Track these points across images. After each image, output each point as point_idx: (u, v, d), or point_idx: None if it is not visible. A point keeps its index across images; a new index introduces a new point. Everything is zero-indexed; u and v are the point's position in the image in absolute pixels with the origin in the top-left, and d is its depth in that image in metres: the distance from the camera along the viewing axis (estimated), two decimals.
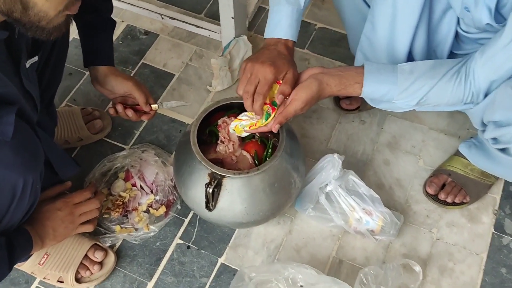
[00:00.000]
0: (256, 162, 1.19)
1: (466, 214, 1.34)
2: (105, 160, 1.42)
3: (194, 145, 1.14)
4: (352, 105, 1.49)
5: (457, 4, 1.03)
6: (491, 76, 0.98)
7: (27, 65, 0.94)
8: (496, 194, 1.37)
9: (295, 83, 1.08)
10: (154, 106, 1.25)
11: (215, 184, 1.11)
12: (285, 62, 1.07)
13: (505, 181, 1.38)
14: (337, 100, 1.51)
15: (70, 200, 1.19)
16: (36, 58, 0.98)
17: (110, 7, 1.26)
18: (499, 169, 1.23)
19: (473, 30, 1.09)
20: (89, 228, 1.23)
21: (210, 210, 1.15)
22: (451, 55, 1.16)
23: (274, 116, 1.07)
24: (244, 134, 1.16)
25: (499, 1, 0.93)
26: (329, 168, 1.22)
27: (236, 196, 1.13)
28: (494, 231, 1.32)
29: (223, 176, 1.11)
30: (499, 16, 0.96)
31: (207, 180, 1.12)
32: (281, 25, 1.10)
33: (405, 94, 1.04)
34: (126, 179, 1.37)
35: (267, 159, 1.19)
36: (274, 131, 1.08)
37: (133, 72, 1.60)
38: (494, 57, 0.95)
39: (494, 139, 1.09)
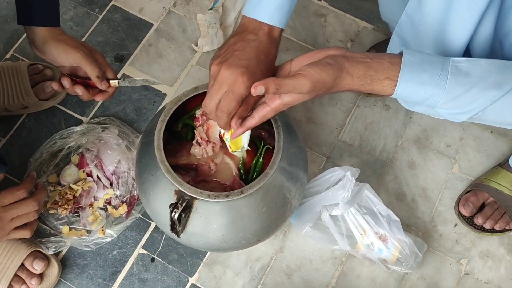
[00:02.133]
0: (242, 173, 0.90)
1: (506, 243, 1.06)
2: (56, 136, 1.12)
3: (158, 150, 0.84)
4: None
5: None
6: None
7: None
8: None
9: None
10: (113, 82, 0.94)
11: (183, 207, 0.82)
12: (263, 67, 0.73)
13: None
14: None
15: None
16: None
17: None
18: None
19: None
20: (25, 234, 0.96)
21: (176, 234, 0.87)
22: None
23: None
24: (245, 143, 0.84)
25: None
26: (339, 188, 0.92)
27: (212, 222, 0.85)
28: None
29: (194, 198, 0.82)
30: None
31: (173, 199, 0.84)
32: (266, 3, 0.76)
33: (453, 104, 0.71)
34: (80, 166, 1.08)
35: (256, 170, 0.90)
36: (253, 93, 0.70)
37: (100, 16, 1.25)
38: None
39: None
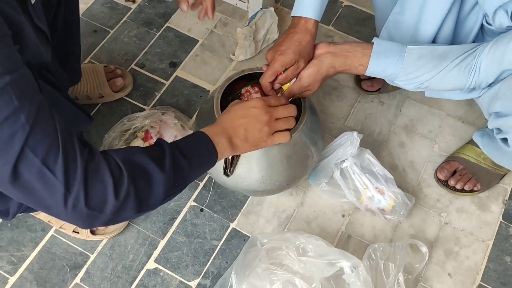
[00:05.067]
0: None
1: (476, 202, 1.37)
2: (125, 119, 1.43)
3: (217, 111, 1.15)
4: (373, 87, 1.50)
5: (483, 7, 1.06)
6: (496, 70, 1.00)
7: (33, 1, 0.90)
8: (507, 184, 1.39)
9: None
10: None
11: None
12: (296, 49, 1.07)
13: None
14: (358, 80, 1.52)
15: (267, 100, 0.99)
16: None
17: None
18: (504, 159, 1.25)
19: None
20: (286, 137, 1.01)
21: (227, 175, 1.17)
22: None
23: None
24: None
25: None
26: (347, 145, 1.24)
27: (254, 164, 1.15)
28: (502, 220, 1.34)
29: None
30: None
31: None
32: (304, 3, 1.11)
33: (407, 77, 1.07)
34: (144, 139, 1.39)
35: None
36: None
37: (157, 34, 1.61)
38: (504, 54, 0.97)
39: (498, 129, 1.11)
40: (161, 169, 0.82)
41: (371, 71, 1.08)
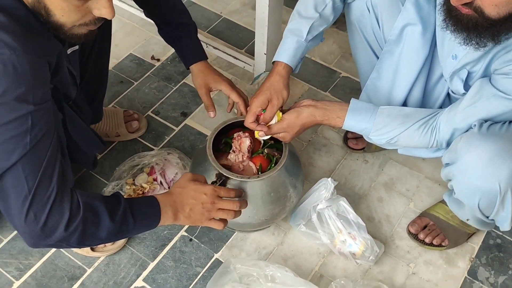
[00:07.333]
0: (259, 173, 1.38)
1: (444, 257, 1.47)
2: (135, 156, 1.63)
3: (209, 149, 1.34)
4: (358, 145, 1.66)
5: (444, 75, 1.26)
6: (450, 128, 1.17)
7: (69, 51, 1.15)
8: (475, 244, 1.49)
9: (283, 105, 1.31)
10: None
11: (220, 183, 1.29)
12: (268, 93, 1.27)
13: (486, 233, 1.50)
14: (345, 139, 1.69)
15: (218, 191, 1.18)
16: (77, 47, 1.18)
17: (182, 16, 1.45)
18: (460, 211, 1.37)
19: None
20: (219, 226, 1.18)
21: None
22: None
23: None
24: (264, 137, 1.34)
25: (469, 74, 1.14)
26: (322, 189, 1.39)
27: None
28: (467, 276, 1.43)
29: (228, 178, 1.30)
30: (469, 87, 1.16)
31: (214, 179, 1.31)
32: (281, 50, 1.31)
33: (378, 133, 1.25)
34: (149, 174, 1.58)
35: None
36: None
37: (174, 88, 1.84)
38: (455, 116, 1.15)
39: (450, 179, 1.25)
40: (111, 219, 1.02)
41: (347, 124, 1.26)
